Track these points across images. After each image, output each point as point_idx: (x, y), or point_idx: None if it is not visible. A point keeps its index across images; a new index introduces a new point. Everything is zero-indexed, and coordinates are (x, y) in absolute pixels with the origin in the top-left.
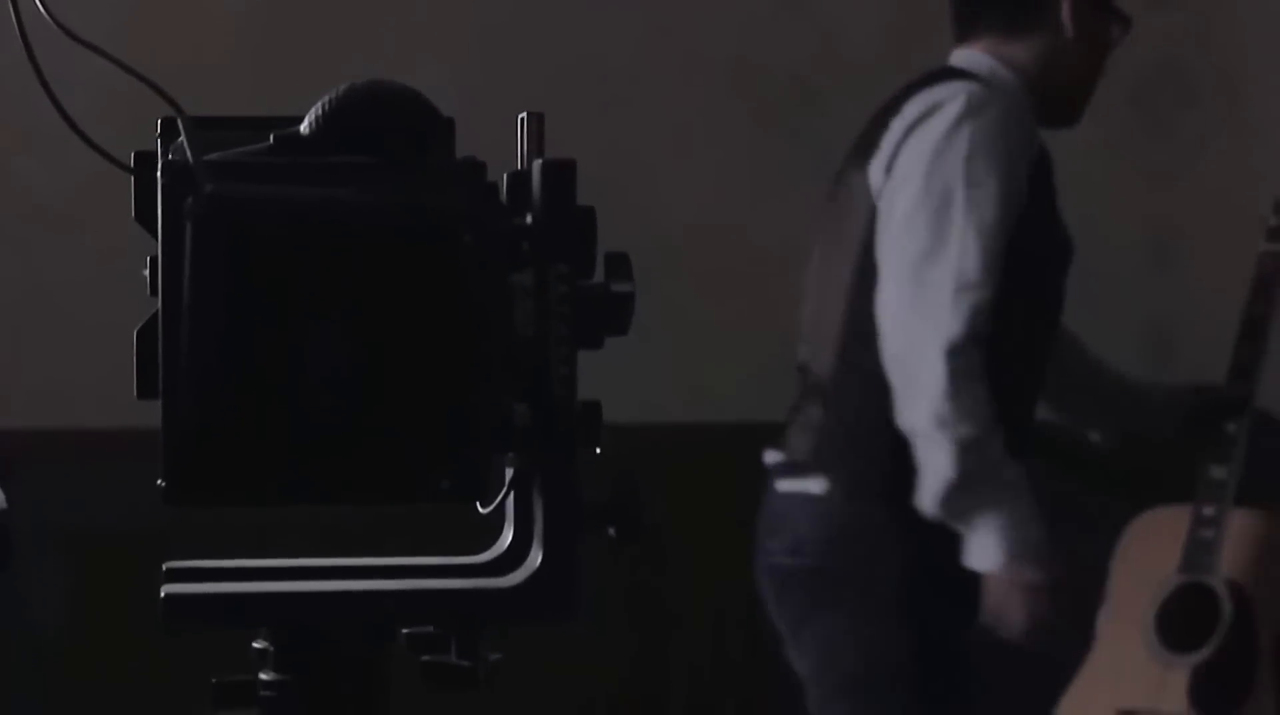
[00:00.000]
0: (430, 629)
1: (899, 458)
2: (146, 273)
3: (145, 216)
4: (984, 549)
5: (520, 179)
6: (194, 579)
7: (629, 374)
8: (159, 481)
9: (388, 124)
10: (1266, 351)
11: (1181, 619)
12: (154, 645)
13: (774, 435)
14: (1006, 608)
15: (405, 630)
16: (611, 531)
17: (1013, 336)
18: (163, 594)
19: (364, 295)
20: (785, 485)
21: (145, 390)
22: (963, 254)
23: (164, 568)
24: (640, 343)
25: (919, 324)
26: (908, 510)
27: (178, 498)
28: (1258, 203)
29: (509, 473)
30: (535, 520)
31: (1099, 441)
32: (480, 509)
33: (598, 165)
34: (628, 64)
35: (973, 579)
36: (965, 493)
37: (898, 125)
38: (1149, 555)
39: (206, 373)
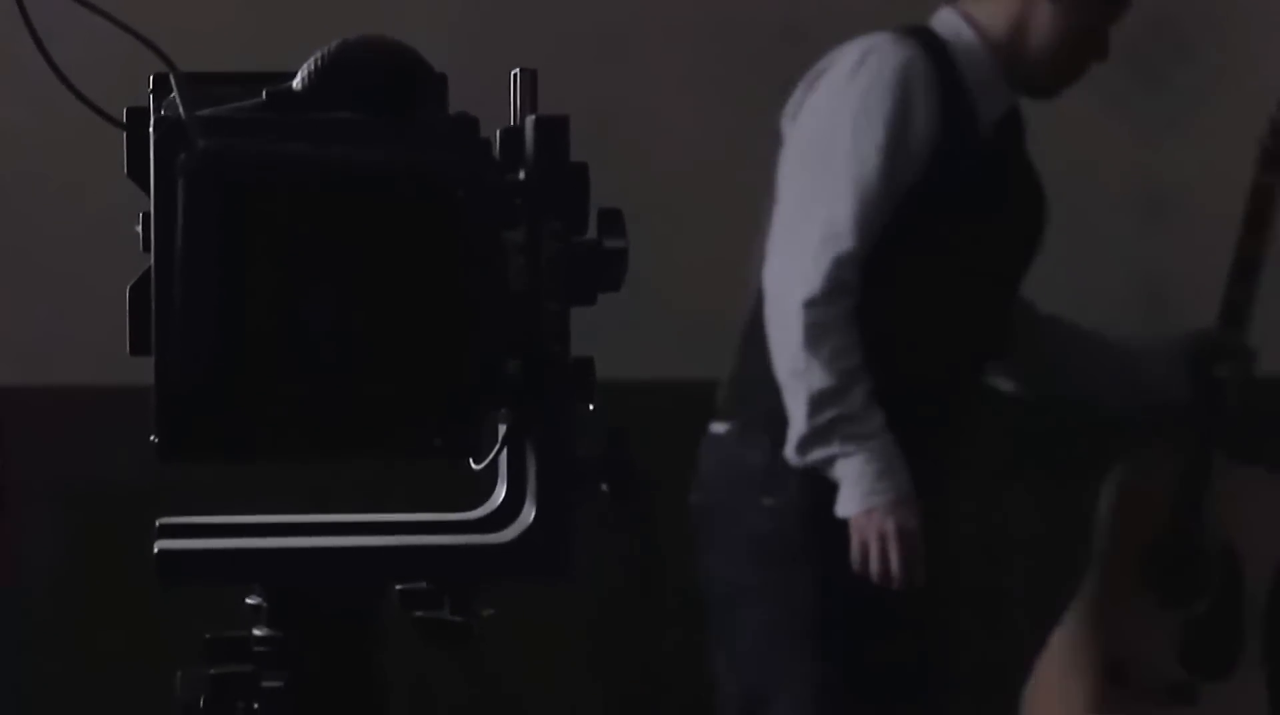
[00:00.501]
0: (423, 585)
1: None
2: (139, 229)
3: (138, 172)
4: (844, 498)
5: (513, 135)
6: (187, 535)
7: (622, 330)
8: (152, 437)
9: (381, 80)
10: (1258, 291)
11: (1171, 574)
12: (147, 601)
13: None
14: (867, 556)
15: (398, 586)
16: (605, 487)
17: (925, 292)
18: (156, 550)
19: (356, 251)
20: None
21: (138, 347)
22: (833, 205)
23: (157, 524)
24: (633, 299)
25: (788, 274)
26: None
27: (170, 454)
28: (1251, 156)
29: (502, 429)
30: (528, 476)
31: (1116, 412)
32: (473, 465)
33: (591, 121)
34: (621, 19)
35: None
36: (819, 443)
37: (810, 78)
38: (1138, 507)
39: (199, 329)
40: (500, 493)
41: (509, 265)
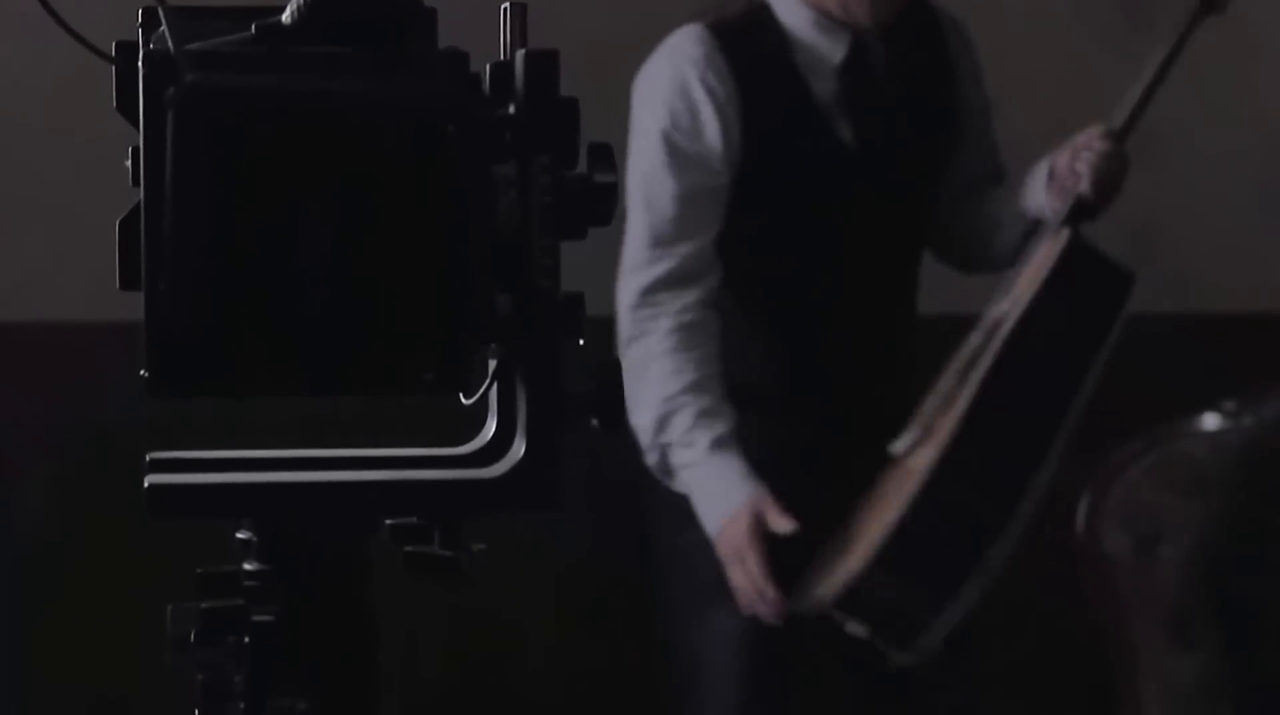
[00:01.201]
0: (413, 520)
1: None
2: (128, 164)
3: (127, 107)
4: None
5: (503, 70)
6: (178, 469)
7: (612, 267)
8: (142, 372)
9: (370, 14)
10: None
11: None
12: (138, 537)
13: None
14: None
15: (389, 521)
16: (594, 422)
17: (782, 275)
18: (146, 484)
19: (346, 186)
20: None
21: (128, 281)
22: (631, 236)
23: (147, 458)
24: (622, 235)
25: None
26: None
27: (160, 388)
28: (1243, 96)
29: (492, 364)
30: (518, 411)
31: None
32: (463, 400)
33: (581, 56)
34: None
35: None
36: (663, 475)
37: None
38: None
39: (189, 263)
40: (490, 428)
41: (499, 200)
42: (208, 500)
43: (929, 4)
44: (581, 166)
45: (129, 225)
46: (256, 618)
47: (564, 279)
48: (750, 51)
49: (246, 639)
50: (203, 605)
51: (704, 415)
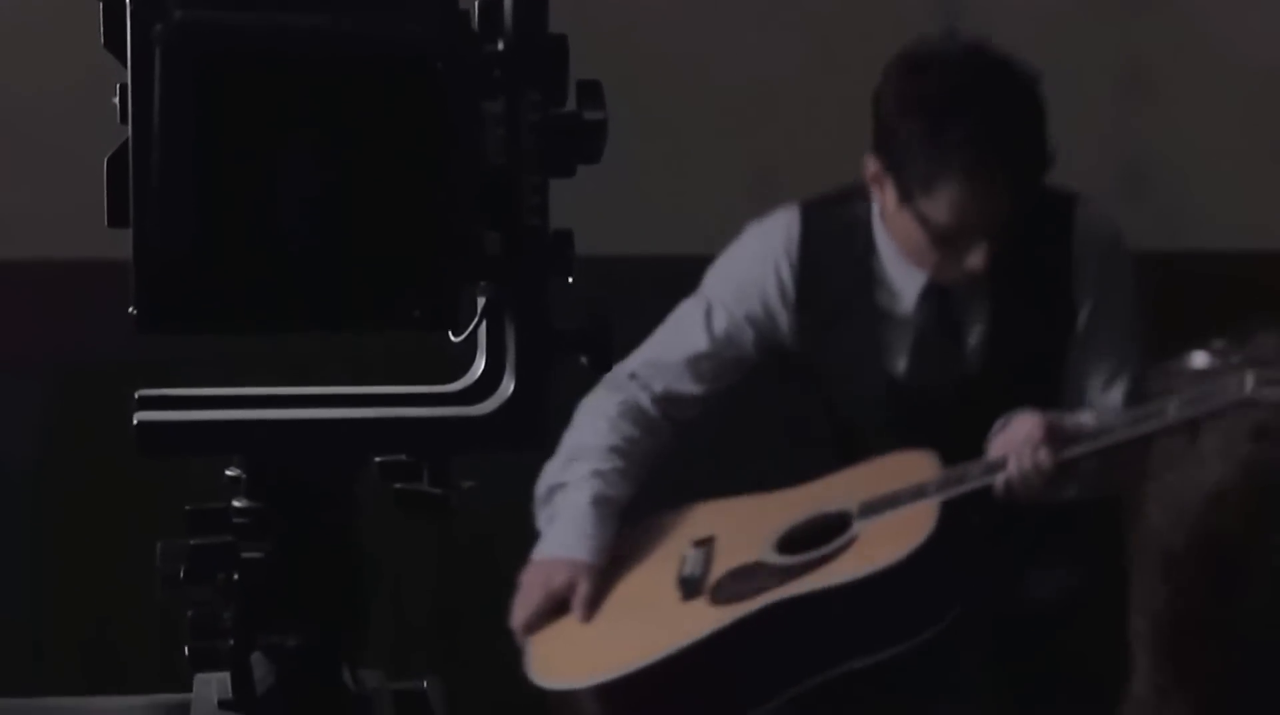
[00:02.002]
0: (403, 457)
1: None
2: (116, 100)
3: (115, 43)
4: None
5: (492, 6)
6: (167, 407)
7: (602, 205)
8: (130, 309)
9: None
10: None
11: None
12: (127, 474)
13: None
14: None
15: (378, 458)
16: (583, 360)
17: None
18: (135, 421)
19: (334, 123)
20: None
21: (116, 218)
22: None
23: (136, 396)
24: (611, 173)
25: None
26: None
27: (149, 325)
28: (1234, 31)
29: (480, 302)
30: (507, 349)
31: None
32: (452, 337)
33: None
34: None
35: None
36: (539, 503)
37: None
38: None
39: (177, 200)
40: (479, 365)
41: (487, 137)
42: (197, 437)
43: (1069, 216)
44: (571, 103)
45: (117, 162)
46: (245, 554)
47: (553, 217)
48: (835, 251)
49: (235, 576)
50: (192, 542)
51: (609, 475)
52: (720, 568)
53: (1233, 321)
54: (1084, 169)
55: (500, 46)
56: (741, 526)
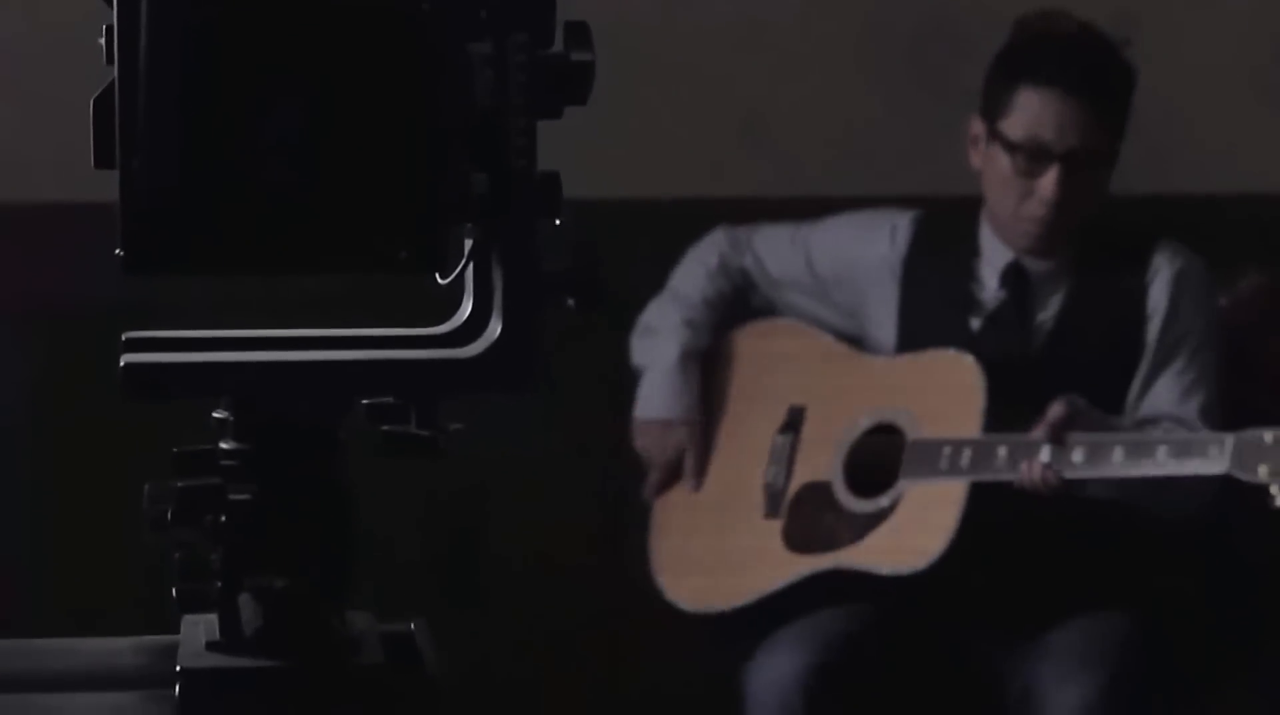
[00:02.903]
0: (390, 399)
1: None
2: (102, 41)
3: None
4: None
5: None
6: (153, 349)
7: (589, 148)
8: (117, 251)
9: None
10: None
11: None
12: (113, 418)
13: (731, 211)
14: None
15: (365, 401)
16: (570, 302)
17: None
18: (122, 363)
19: (321, 64)
20: None
21: (102, 160)
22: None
23: (123, 338)
24: (599, 116)
25: None
26: None
27: (136, 266)
28: None
29: (468, 244)
30: (494, 291)
31: None
32: (439, 280)
33: None
34: None
35: None
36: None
37: None
38: None
39: (164, 141)
40: (466, 307)
41: (475, 78)
42: (184, 379)
43: (1148, 240)
44: (558, 45)
45: (103, 104)
46: (233, 496)
47: (541, 159)
48: (938, 250)
49: (223, 517)
50: (179, 484)
51: (699, 326)
52: (799, 479)
53: (1218, 264)
54: None
55: None
56: (819, 411)
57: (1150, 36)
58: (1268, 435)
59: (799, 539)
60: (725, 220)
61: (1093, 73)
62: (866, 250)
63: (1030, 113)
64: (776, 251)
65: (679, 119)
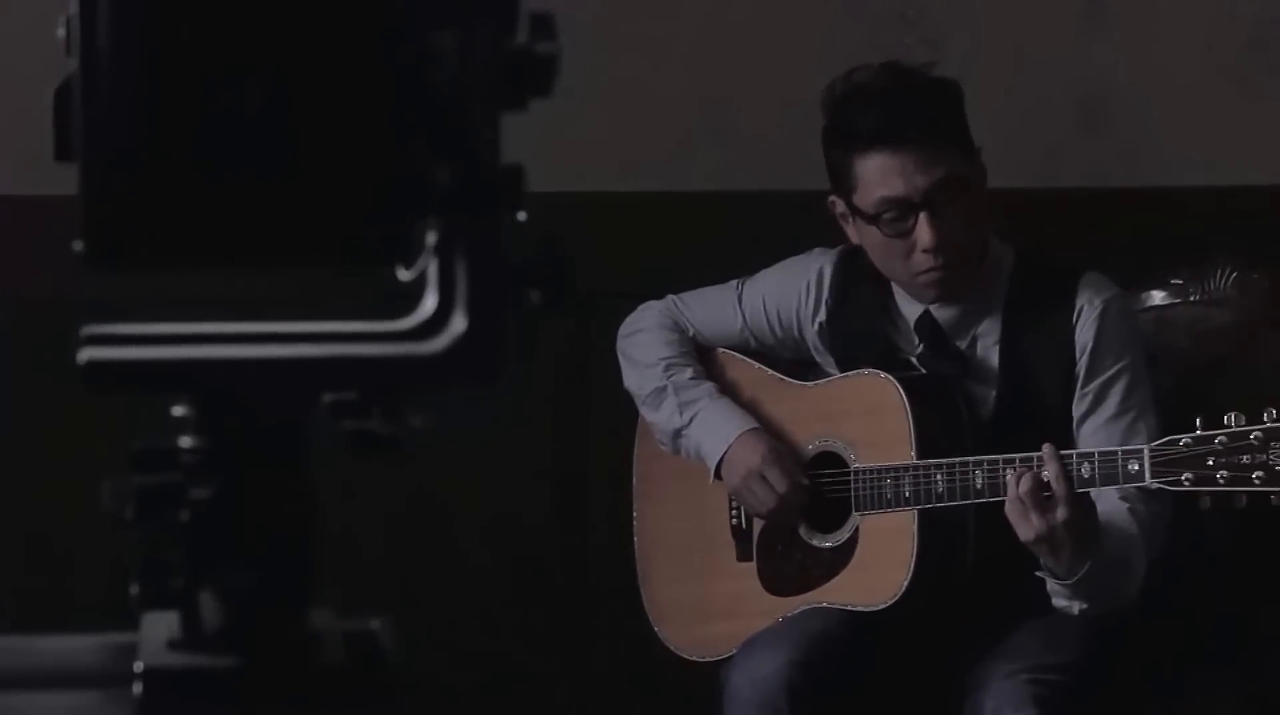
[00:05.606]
0: (353, 395)
1: None
2: (62, 32)
3: None
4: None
5: None
6: (114, 344)
7: (554, 140)
8: (75, 245)
9: None
10: None
11: None
12: (72, 412)
13: (698, 205)
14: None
15: (328, 396)
16: (535, 296)
17: None
18: (82, 359)
19: (284, 53)
20: None
21: (63, 152)
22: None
23: (83, 332)
24: (564, 108)
25: None
26: None
27: (96, 262)
28: None
29: (431, 237)
30: (458, 284)
31: None
32: (403, 274)
33: None
34: None
35: None
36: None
37: None
38: None
39: (124, 133)
40: (430, 301)
41: (438, 68)
42: (144, 374)
43: (1072, 286)
44: (523, 35)
45: (63, 95)
46: (194, 494)
47: (505, 152)
48: (859, 289)
49: (184, 515)
50: (139, 481)
51: (697, 375)
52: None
53: (1191, 258)
54: (1043, 103)
55: None
56: None
57: (1122, 27)
58: (1183, 440)
59: (774, 581)
60: (691, 213)
61: (908, 114)
62: (794, 304)
63: (872, 179)
64: (711, 322)
65: (643, 111)
